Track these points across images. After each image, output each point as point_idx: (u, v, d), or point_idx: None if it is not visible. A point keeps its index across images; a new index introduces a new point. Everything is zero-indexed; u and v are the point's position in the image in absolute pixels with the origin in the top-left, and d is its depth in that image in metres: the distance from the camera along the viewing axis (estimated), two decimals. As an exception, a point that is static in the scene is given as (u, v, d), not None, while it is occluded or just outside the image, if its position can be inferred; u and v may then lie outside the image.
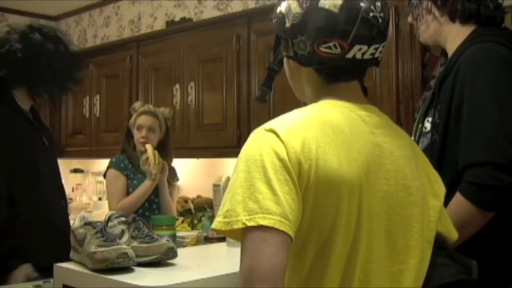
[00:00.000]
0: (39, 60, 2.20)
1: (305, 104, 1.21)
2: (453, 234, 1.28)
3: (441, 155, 1.58)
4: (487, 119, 1.49)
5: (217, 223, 1.02)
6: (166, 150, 3.07)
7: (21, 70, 2.18)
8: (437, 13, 1.72)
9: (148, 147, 2.94)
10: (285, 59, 1.24)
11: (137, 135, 3.02)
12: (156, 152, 2.94)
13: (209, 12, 4.31)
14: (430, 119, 1.65)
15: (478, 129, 1.49)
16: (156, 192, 2.98)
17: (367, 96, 1.23)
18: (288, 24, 1.17)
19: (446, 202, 1.47)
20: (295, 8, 1.16)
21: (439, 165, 1.56)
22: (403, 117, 2.81)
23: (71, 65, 2.33)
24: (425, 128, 1.66)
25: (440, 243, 1.22)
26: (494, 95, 1.50)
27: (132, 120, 3.09)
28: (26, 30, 2.21)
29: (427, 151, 1.61)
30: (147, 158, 2.90)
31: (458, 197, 1.48)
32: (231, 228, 0.99)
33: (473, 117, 1.51)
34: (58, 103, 2.34)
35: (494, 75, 1.53)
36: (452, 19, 1.70)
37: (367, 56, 1.15)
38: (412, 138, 1.70)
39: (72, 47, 2.34)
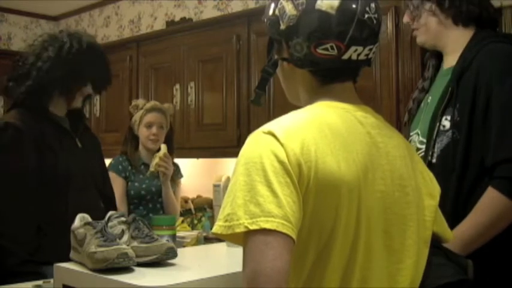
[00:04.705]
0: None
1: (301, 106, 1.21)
2: (448, 234, 1.28)
3: (466, 152, 1.59)
4: None
5: (218, 227, 1.01)
6: (171, 147, 3.06)
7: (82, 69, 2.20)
8: (441, 16, 1.73)
9: (164, 147, 2.91)
10: (279, 61, 1.23)
11: (146, 133, 2.99)
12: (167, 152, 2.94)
13: (209, 12, 4.31)
14: (448, 117, 1.66)
15: (508, 126, 1.53)
16: (159, 192, 2.99)
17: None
18: (282, 27, 1.16)
19: (469, 199, 1.53)
20: (291, 10, 1.15)
21: (464, 162, 1.59)
22: (403, 117, 2.80)
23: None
24: (444, 126, 1.67)
25: (436, 242, 1.22)
26: None
27: (136, 117, 3.03)
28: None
29: (447, 149, 1.63)
30: (165, 159, 2.88)
31: (492, 192, 1.52)
32: (232, 232, 0.99)
33: (503, 114, 1.55)
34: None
35: None
36: (456, 22, 1.72)
37: (361, 57, 1.16)
38: (425, 139, 1.71)
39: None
